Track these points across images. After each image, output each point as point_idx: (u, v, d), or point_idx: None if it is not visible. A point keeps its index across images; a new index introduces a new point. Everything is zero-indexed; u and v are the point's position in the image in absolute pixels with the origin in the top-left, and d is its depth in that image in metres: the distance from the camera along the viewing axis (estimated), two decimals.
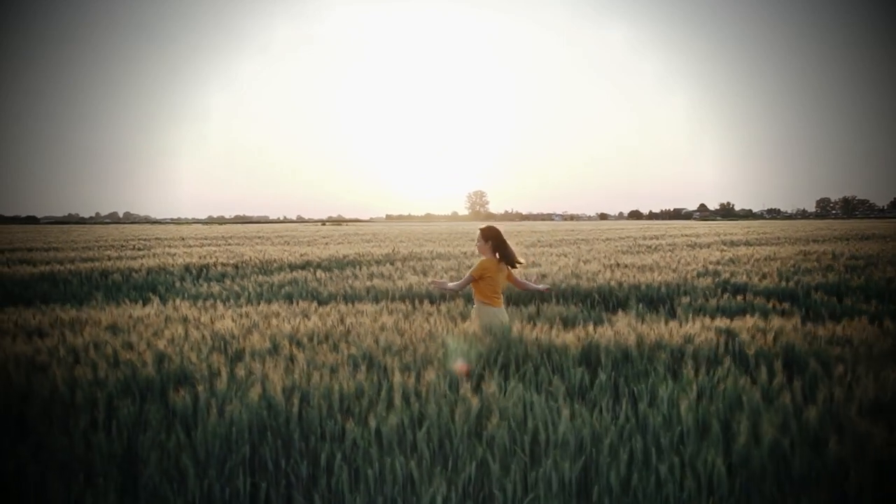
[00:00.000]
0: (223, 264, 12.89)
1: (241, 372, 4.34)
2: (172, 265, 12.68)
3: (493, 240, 6.10)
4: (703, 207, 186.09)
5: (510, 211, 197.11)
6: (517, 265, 6.12)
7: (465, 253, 15.63)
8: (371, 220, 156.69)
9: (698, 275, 10.40)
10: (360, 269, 12.12)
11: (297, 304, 7.87)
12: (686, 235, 26.94)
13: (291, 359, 4.80)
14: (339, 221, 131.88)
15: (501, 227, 6.61)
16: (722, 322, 6.32)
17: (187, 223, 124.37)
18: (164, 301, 8.96)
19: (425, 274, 11.24)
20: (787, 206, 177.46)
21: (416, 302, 7.91)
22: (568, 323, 6.86)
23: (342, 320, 6.41)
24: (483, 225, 6.27)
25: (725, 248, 17.52)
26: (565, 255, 14.95)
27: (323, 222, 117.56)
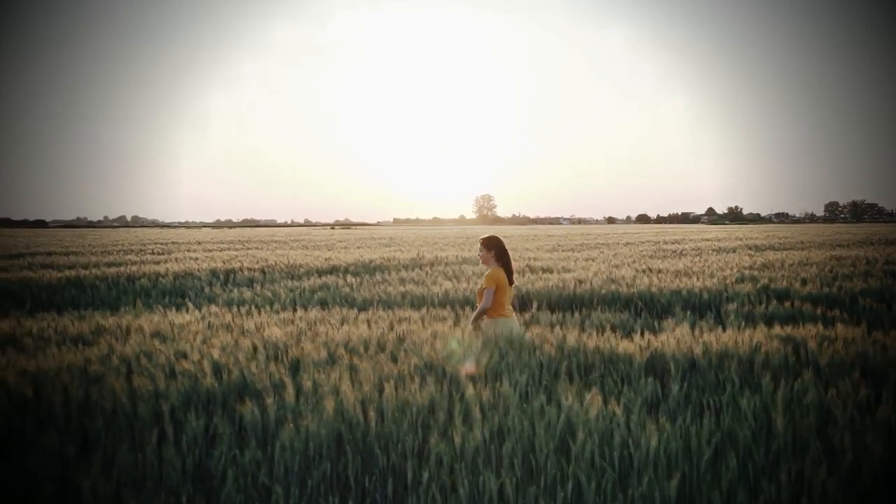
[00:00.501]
0: (249, 269, 12.75)
1: (306, 383, 4.18)
2: (198, 270, 12.55)
3: (497, 249, 5.93)
4: (711, 211, 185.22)
5: (517, 214, 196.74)
6: (512, 283, 5.94)
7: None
8: (378, 224, 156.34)
9: (737, 280, 10.19)
10: (389, 273, 11.97)
11: (334, 310, 7.71)
12: (707, 240, 26.68)
13: (353, 369, 4.63)
14: (347, 225, 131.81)
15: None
16: (782, 330, 6.13)
17: (196, 227, 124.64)
18: (198, 307, 8.82)
19: (458, 279, 11.07)
20: (795, 210, 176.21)
21: (458, 308, 7.74)
22: (617, 330, 6.65)
23: (391, 328, 6.24)
24: (484, 235, 6.07)
25: (752, 252, 17.28)
26: (592, 260, 14.76)
27: (332, 226, 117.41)
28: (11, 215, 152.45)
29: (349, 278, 11.20)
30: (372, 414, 3.67)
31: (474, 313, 5.86)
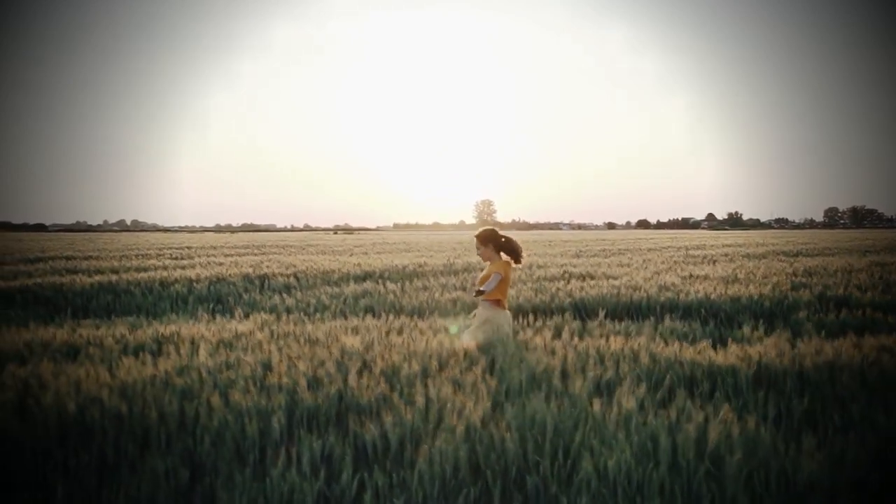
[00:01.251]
0: (281, 275, 12.47)
1: (418, 399, 3.90)
2: (230, 275, 12.27)
3: (494, 241, 5.75)
4: (711, 217, 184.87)
5: (517, 220, 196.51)
6: (520, 261, 5.90)
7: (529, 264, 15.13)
8: (378, 229, 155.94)
9: (792, 287, 9.91)
10: (428, 279, 11.69)
11: (388, 318, 7.43)
12: (730, 245, 26.39)
13: (456, 383, 4.35)
14: (348, 230, 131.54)
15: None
16: (875, 340, 5.85)
17: (198, 231, 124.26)
18: (245, 314, 8.55)
19: (521, 283, 10.80)
20: (794, 216, 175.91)
21: (519, 317, 7.46)
22: (702, 340, 6.36)
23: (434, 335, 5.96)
24: (477, 231, 5.86)
25: (787, 258, 17.02)
26: (627, 266, 14.48)
27: (335, 231, 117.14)
28: (11, 219, 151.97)
29: (389, 284, 10.92)
30: (506, 434, 3.39)
31: (478, 287, 5.67)
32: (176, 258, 18.98)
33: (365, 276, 12.58)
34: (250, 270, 13.01)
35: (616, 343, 5.61)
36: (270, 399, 4.03)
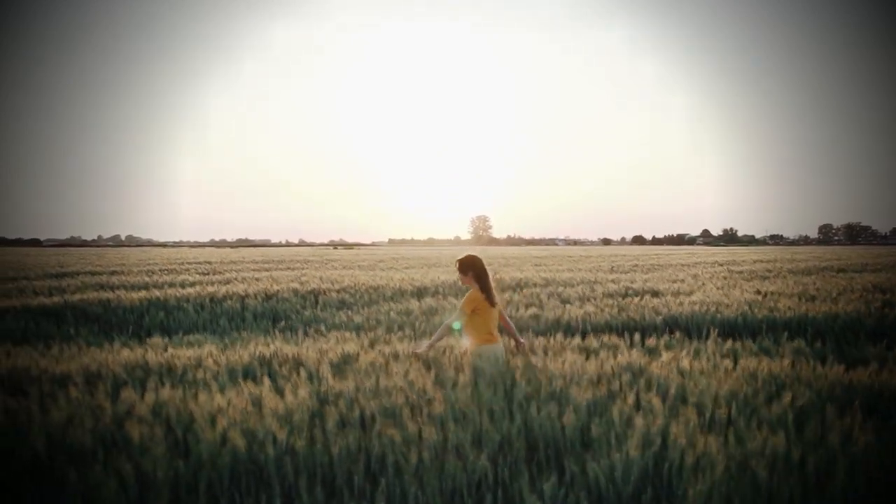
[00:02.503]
0: (334, 291, 12.00)
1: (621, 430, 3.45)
2: (281, 291, 11.78)
3: (474, 269, 5.26)
4: (706, 233, 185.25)
5: (513, 236, 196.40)
6: (494, 304, 5.26)
7: (563, 280, 14.72)
8: (374, 244, 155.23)
9: (884, 305, 9.52)
10: None
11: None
12: (758, 261, 26.04)
13: (649, 411, 3.91)
14: (347, 245, 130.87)
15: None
16: None
17: (197, 246, 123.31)
18: (322, 333, 8.08)
19: (568, 302, 10.38)
20: (788, 232, 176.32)
21: (626, 335, 7.02)
22: (833, 362, 5.93)
23: (596, 356, 5.52)
24: (463, 255, 5.40)
25: (834, 274, 16.68)
26: (682, 281, 14.07)
27: (334, 246, 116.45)
28: (5, 234, 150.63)
29: (451, 300, 10.48)
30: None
31: (472, 344, 5.21)
32: (204, 273, 18.46)
33: (419, 292, 12.12)
34: (297, 286, 12.53)
35: (805, 369, 5.17)
36: (465, 432, 3.59)
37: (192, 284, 13.83)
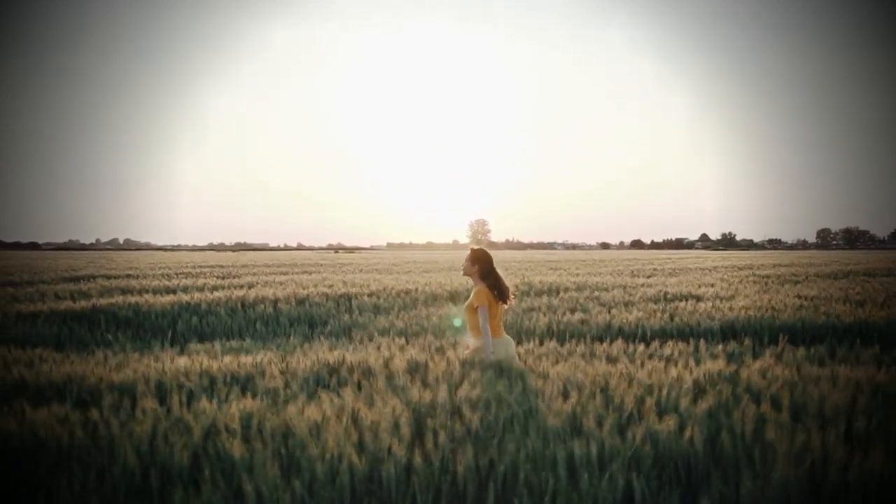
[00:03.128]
0: (367, 295, 11.74)
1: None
2: (312, 295, 11.51)
3: (482, 264, 5.27)
4: (704, 237, 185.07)
5: (511, 240, 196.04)
6: (506, 301, 5.35)
7: (592, 284, 14.47)
8: (372, 248, 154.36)
9: None
10: (532, 299, 11.02)
11: (563, 345, 6.76)
12: (776, 265, 25.84)
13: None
14: (349, 249, 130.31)
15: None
16: None
17: (198, 250, 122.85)
18: (369, 338, 7.83)
19: (610, 306, 10.13)
20: (787, 237, 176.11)
21: (691, 341, 6.77)
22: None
23: (689, 367, 5.26)
24: (476, 246, 5.41)
25: (863, 279, 16.47)
26: (711, 285, 13.84)
27: (336, 250, 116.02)
28: (4, 238, 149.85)
29: None
30: None
31: (477, 341, 5.23)
32: (222, 277, 18.18)
33: (452, 296, 11.87)
34: (326, 290, 12.26)
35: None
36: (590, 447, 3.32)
37: (216, 289, 13.55)
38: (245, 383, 5.17)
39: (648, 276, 18.76)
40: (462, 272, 5.52)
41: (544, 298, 11.24)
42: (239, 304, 10.62)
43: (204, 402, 4.22)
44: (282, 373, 5.37)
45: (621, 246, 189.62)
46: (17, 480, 3.61)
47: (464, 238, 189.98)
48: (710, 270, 22.32)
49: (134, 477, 3.35)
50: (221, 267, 24.75)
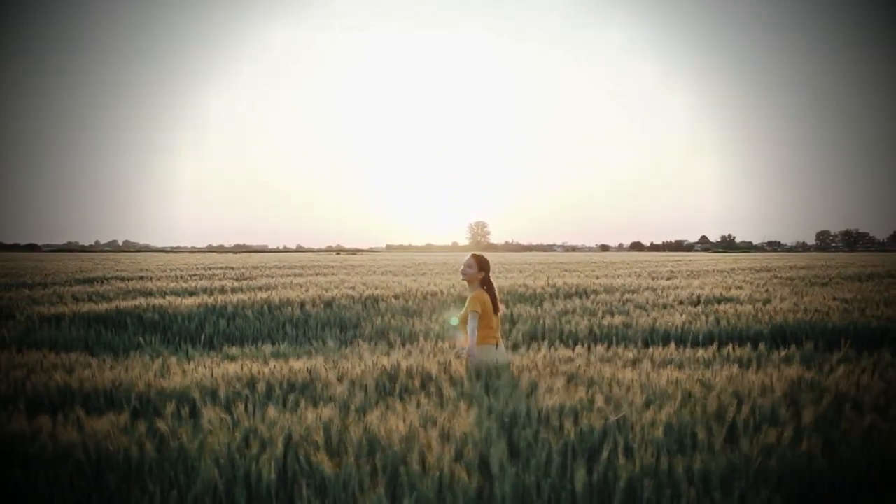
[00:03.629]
0: (393, 297, 11.48)
1: None
2: (337, 297, 11.27)
3: (486, 271, 5.40)
4: (704, 239, 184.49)
5: (510, 242, 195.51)
6: (497, 312, 5.41)
7: (618, 286, 14.22)
8: (371, 250, 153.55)
9: None
10: (551, 303, 10.77)
11: (608, 349, 6.50)
12: (793, 267, 25.61)
13: None
14: (351, 251, 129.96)
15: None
16: None
17: (199, 251, 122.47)
18: (411, 342, 7.57)
19: (644, 309, 9.89)
20: (786, 239, 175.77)
21: (749, 345, 6.52)
22: None
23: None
24: (477, 252, 5.37)
25: (890, 280, 16.24)
26: (739, 288, 13.60)
27: (338, 251, 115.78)
28: (3, 240, 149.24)
29: (523, 307, 9.99)
30: None
31: (465, 342, 5.28)
32: (237, 279, 17.92)
33: (521, 299, 11.62)
34: (351, 292, 12.01)
35: None
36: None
37: (236, 290, 13.30)
38: (302, 390, 4.93)
39: (668, 279, 18.52)
40: (461, 276, 5.49)
41: (576, 301, 11.00)
42: (265, 307, 10.37)
43: (272, 411, 3.99)
44: (338, 379, 5.13)
45: (620, 248, 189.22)
46: (86, 496, 3.37)
47: (463, 240, 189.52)
48: (728, 272, 22.08)
49: (217, 494, 3.11)
50: (232, 269, 24.49)
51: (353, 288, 13.03)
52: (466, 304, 5.24)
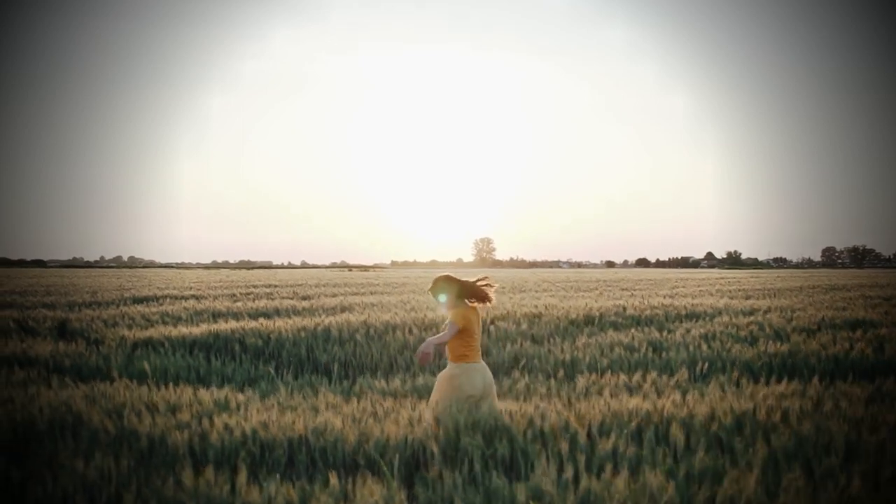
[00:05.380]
0: (501, 319, 10.62)
1: None
2: (435, 320, 10.40)
3: (452, 289, 4.75)
4: (710, 256, 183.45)
5: (515, 258, 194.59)
6: (489, 301, 4.88)
7: (710, 305, 13.35)
8: (376, 266, 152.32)
9: None
10: (696, 322, 9.91)
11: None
12: (832, 287, 24.59)
13: None
14: (364, 267, 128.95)
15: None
16: None
17: (202, 268, 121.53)
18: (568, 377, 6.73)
19: (807, 332, 9.03)
20: (791, 255, 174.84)
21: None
22: None
23: None
24: (443, 274, 4.92)
25: None
26: (843, 309, 12.73)
27: (349, 268, 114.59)
28: (9, 255, 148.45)
29: (651, 330, 9.13)
30: None
31: (455, 367, 4.68)
32: (297, 297, 17.07)
33: (588, 320, 10.77)
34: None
35: None
36: None
37: (314, 312, 12.44)
38: (545, 441, 4.07)
39: (746, 298, 17.62)
40: (446, 307, 4.88)
41: (695, 324, 10.14)
42: (369, 331, 9.50)
43: (540, 474, 3.15)
44: (585, 428, 4.26)
45: (626, 264, 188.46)
46: None
47: (468, 256, 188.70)
48: (794, 291, 21.22)
49: None
50: (276, 286, 23.66)
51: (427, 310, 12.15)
52: (450, 317, 4.72)
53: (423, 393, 6.17)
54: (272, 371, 7.45)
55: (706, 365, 7.25)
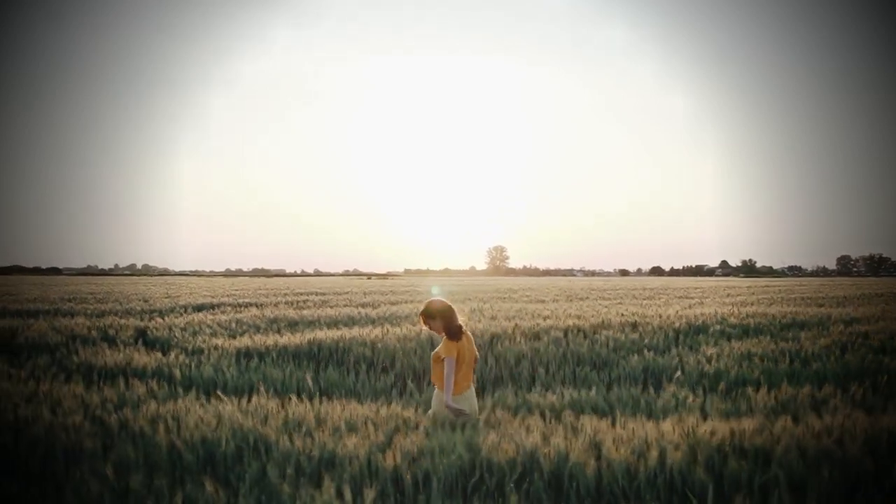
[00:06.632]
0: (601, 327, 10.16)
1: None
2: (548, 328, 9.92)
3: (442, 316, 4.81)
4: (724, 264, 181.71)
5: (529, 266, 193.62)
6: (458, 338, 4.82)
7: (777, 313, 12.81)
8: (389, 274, 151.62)
9: None
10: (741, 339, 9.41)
11: None
12: (861, 297, 23.71)
13: None
14: (382, 275, 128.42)
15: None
16: None
17: (217, 276, 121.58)
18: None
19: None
20: (806, 264, 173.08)
21: None
22: None
23: None
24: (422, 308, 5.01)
25: None
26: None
27: (368, 276, 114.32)
28: (25, 263, 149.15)
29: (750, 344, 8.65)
30: None
31: (444, 393, 4.71)
32: (364, 306, 16.61)
33: (695, 329, 10.27)
34: (556, 322, 10.63)
35: None
36: None
37: (392, 320, 12.00)
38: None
39: (819, 306, 17.00)
40: (428, 329, 5.02)
41: (808, 333, 9.63)
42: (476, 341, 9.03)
43: None
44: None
45: (640, 273, 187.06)
46: None
47: (481, 264, 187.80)
48: (852, 299, 20.63)
49: None
50: (323, 294, 23.26)
51: (558, 317, 11.66)
52: (441, 350, 4.78)
53: (581, 407, 5.73)
54: (411, 383, 7.00)
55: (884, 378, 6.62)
